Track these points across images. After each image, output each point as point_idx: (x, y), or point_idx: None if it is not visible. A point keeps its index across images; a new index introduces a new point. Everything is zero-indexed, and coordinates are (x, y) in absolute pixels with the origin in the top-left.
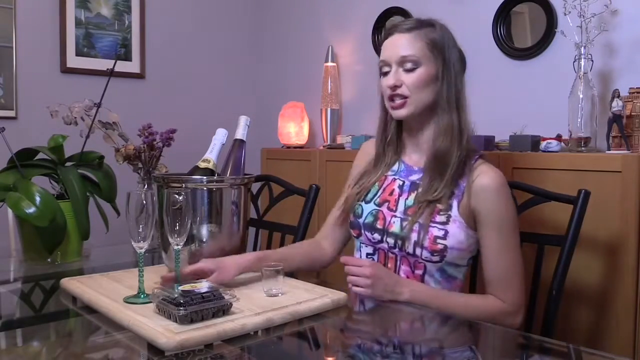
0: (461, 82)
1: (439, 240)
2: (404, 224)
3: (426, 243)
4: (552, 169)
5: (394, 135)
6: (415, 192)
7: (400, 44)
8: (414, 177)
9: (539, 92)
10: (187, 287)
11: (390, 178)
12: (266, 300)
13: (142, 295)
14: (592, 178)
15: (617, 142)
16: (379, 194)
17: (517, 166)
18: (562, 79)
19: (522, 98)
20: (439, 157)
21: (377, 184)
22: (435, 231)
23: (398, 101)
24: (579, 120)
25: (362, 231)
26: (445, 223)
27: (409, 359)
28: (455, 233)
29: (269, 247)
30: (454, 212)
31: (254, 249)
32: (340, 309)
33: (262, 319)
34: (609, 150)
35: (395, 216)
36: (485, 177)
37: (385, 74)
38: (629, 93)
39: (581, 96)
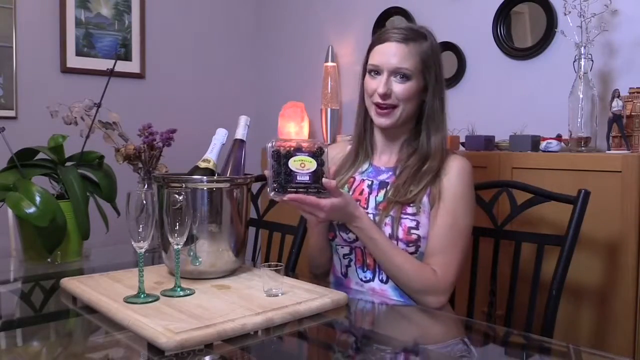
0: (445, 97)
1: (412, 231)
2: (376, 219)
3: (400, 235)
4: (552, 169)
5: (369, 136)
6: (385, 189)
7: (395, 54)
8: (383, 177)
9: (539, 92)
10: (297, 162)
11: (358, 179)
12: (266, 300)
13: (142, 295)
14: (592, 178)
15: (617, 142)
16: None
17: (517, 166)
18: (562, 79)
19: (522, 98)
20: (425, 172)
21: (346, 186)
22: (408, 222)
23: (385, 109)
24: (579, 120)
25: (337, 232)
26: (416, 214)
27: (408, 358)
28: (426, 223)
29: (269, 247)
30: (425, 202)
31: (254, 249)
32: (340, 309)
33: (262, 319)
34: (609, 150)
35: (368, 213)
36: (451, 161)
37: (373, 77)
38: (629, 93)
39: (581, 96)
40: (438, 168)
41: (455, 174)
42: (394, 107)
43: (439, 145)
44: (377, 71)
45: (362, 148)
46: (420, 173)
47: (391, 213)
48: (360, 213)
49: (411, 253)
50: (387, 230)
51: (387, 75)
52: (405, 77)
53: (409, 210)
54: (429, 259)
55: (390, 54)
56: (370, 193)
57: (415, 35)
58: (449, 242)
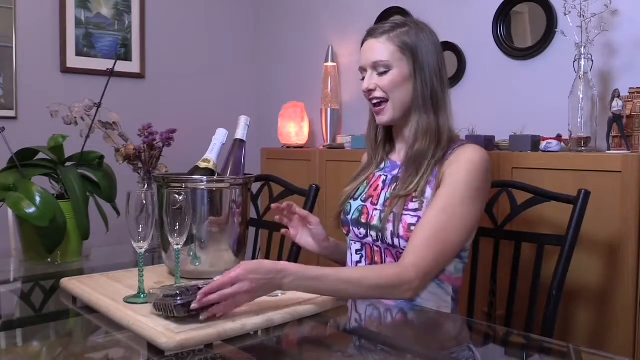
0: (439, 82)
1: (412, 228)
2: (382, 216)
3: (401, 232)
4: (552, 169)
5: (384, 137)
6: (395, 184)
7: (373, 49)
8: (396, 171)
9: (539, 92)
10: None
11: (377, 175)
12: (266, 300)
13: (142, 295)
14: (592, 178)
15: (617, 142)
16: (366, 190)
17: (517, 166)
18: (562, 79)
19: (522, 98)
20: (416, 157)
21: (365, 182)
22: (409, 219)
23: (378, 107)
24: (579, 120)
25: (350, 227)
26: (418, 210)
27: (409, 358)
28: None
29: (269, 247)
30: (428, 197)
31: (254, 249)
32: (340, 309)
33: (262, 319)
34: (609, 150)
35: (376, 209)
36: (464, 149)
37: (364, 78)
38: (629, 93)
39: (581, 96)
40: (436, 154)
41: (463, 161)
42: (386, 100)
43: (430, 126)
44: (364, 72)
45: (377, 151)
46: (414, 159)
47: (394, 210)
48: (283, 266)
49: None
50: (390, 227)
51: (370, 72)
52: (385, 68)
53: (411, 206)
54: (410, 241)
55: (369, 51)
56: (382, 189)
57: (392, 27)
58: (432, 229)
